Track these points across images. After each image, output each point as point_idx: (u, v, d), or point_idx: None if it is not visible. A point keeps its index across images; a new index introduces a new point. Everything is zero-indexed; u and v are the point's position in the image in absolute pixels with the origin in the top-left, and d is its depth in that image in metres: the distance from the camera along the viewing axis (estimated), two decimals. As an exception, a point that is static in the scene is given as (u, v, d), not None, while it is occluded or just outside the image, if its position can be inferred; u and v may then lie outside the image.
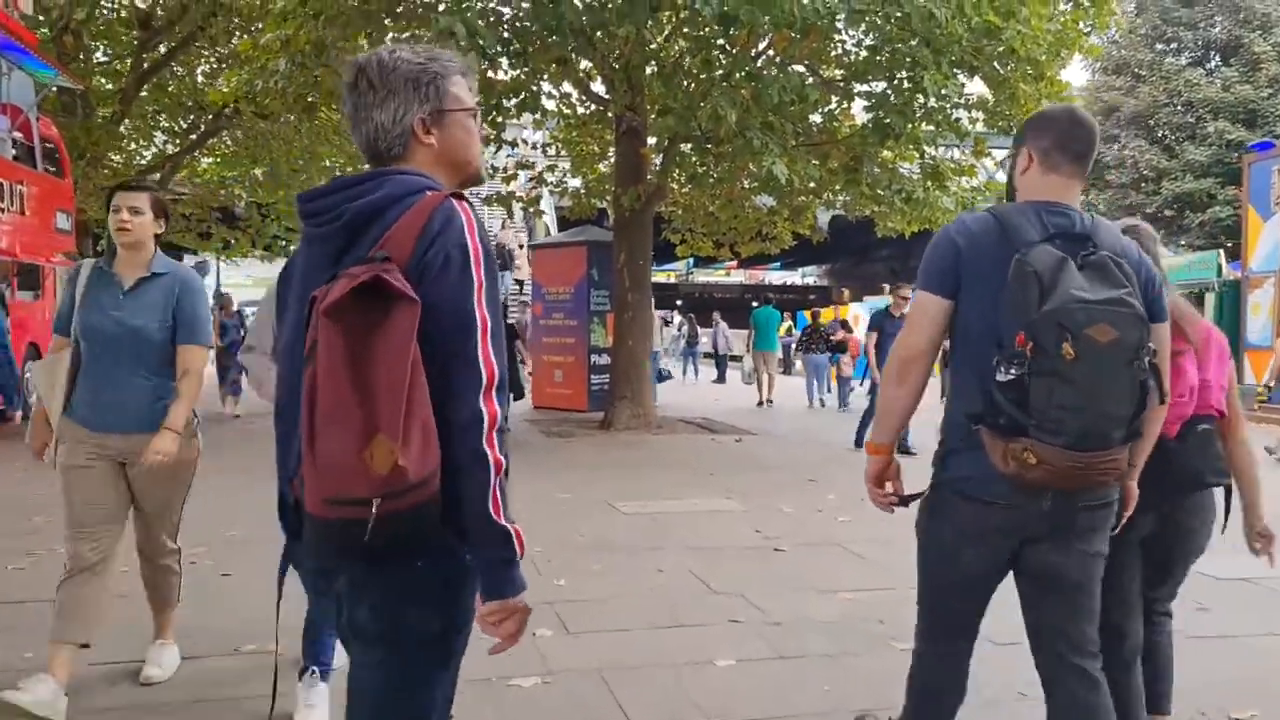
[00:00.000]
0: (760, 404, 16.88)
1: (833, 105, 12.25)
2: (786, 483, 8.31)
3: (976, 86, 13.39)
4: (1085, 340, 1.97)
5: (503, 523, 1.53)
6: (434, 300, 1.50)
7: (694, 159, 12.88)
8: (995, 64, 10.47)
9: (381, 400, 1.42)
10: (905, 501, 2.42)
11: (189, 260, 38.79)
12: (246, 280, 49.75)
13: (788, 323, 25.42)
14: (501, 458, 1.54)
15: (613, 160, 14.38)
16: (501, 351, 1.58)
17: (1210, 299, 17.77)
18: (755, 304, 19.04)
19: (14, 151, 12.90)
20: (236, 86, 11.93)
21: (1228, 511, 2.80)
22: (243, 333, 13.27)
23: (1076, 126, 2.29)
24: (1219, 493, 2.78)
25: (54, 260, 13.48)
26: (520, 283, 25.66)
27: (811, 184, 11.39)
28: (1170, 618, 2.94)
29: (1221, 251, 19.12)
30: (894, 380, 2.31)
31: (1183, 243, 27.46)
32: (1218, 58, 28.93)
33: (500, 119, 13.21)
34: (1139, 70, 29.13)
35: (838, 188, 11.97)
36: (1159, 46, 29.68)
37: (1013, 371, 2.04)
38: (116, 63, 18.39)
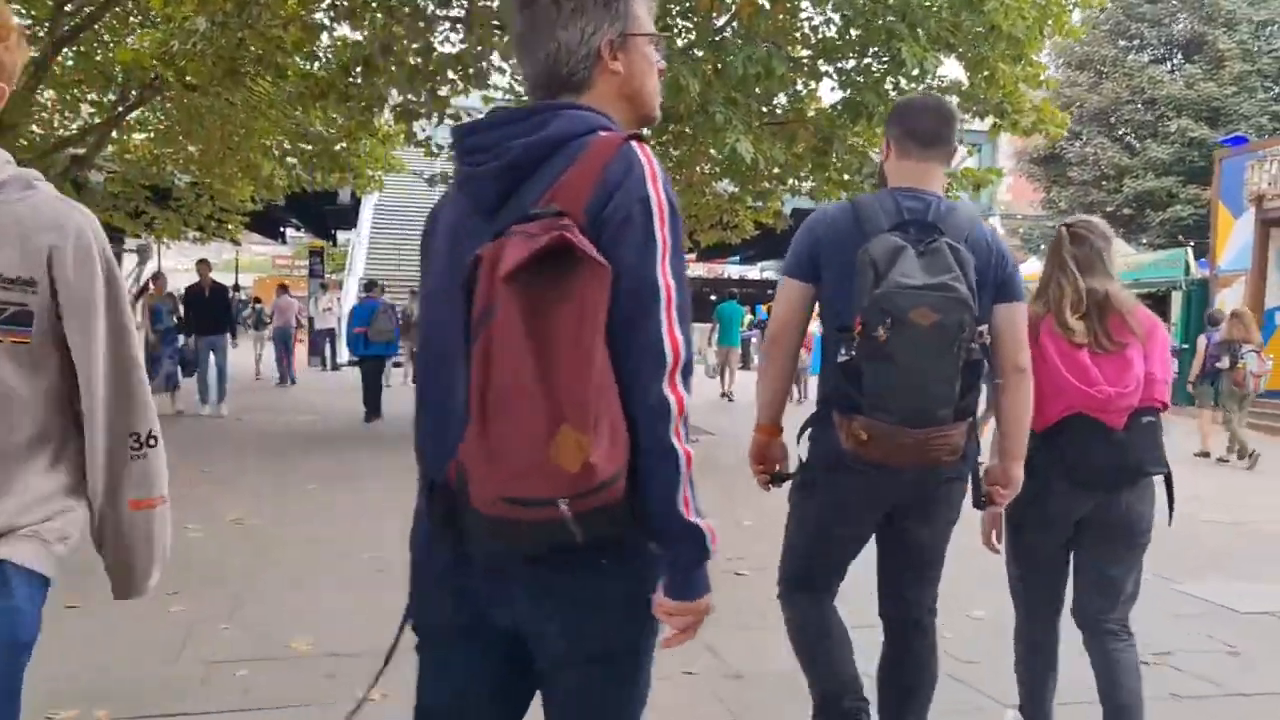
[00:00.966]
0: (723, 395, 16.82)
1: (799, 86, 11.53)
2: (746, 490, 7.49)
3: (950, 69, 12.71)
4: (907, 323, 2.09)
5: (695, 520, 1.38)
6: (612, 266, 1.30)
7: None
8: (974, 41, 9.79)
9: (567, 385, 1.25)
10: (779, 480, 2.55)
11: (130, 243, 37.41)
12: (185, 265, 48.26)
13: (749, 316, 24.78)
14: (690, 449, 1.38)
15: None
16: (688, 326, 1.38)
17: (1177, 297, 17.36)
18: (715, 298, 18.37)
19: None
20: (151, 47, 10.89)
21: (1171, 501, 2.78)
22: (176, 319, 12.17)
23: (924, 111, 2.47)
24: (1159, 483, 2.77)
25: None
26: None
27: (777, 168, 10.63)
28: (1129, 638, 2.77)
29: (1190, 249, 18.73)
30: (763, 361, 2.53)
31: (1143, 241, 27.22)
32: (1180, 55, 28.73)
33: (443, 91, 12.37)
34: (1102, 66, 28.84)
35: (804, 172, 11.22)
36: (1122, 43, 29.42)
37: (850, 353, 2.19)
38: (38, 28, 17.13)
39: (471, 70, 11.24)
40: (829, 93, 17.48)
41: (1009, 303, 2.38)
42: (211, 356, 12.01)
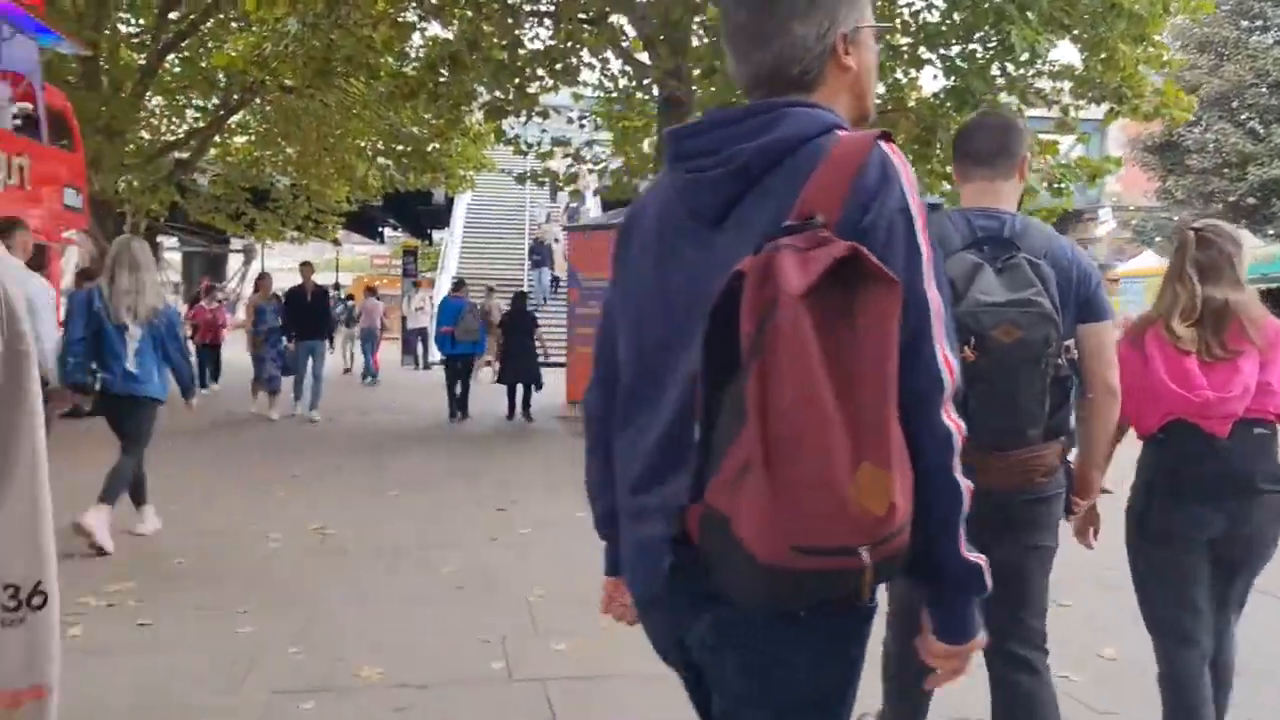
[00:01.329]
0: None
1: (898, 76, 11.00)
2: None
3: (1062, 52, 11.99)
4: (990, 341, 2.05)
5: (973, 559, 1.26)
6: None
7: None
8: (1091, 21, 9.15)
9: (867, 416, 1.11)
10: None
11: (236, 244, 38.47)
12: (289, 265, 49.54)
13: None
14: (969, 482, 1.25)
15: (655, 137, 13.32)
16: (955, 344, 1.26)
17: (1308, 293, 16.14)
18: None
19: (16, 122, 12.13)
20: (245, 50, 10.96)
21: None
22: (281, 320, 11.75)
23: (976, 130, 2.45)
24: None
25: (61, 239, 12.68)
26: (557, 279, 24.41)
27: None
28: (1232, 635, 2.71)
29: (1323, 241, 17.42)
30: None
31: (1270, 232, 25.61)
32: (1310, 35, 26.97)
33: (534, 88, 12.21)
34: (1223, 48, 27.24)
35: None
36: (1244, 23, 27.75)
37: None
38: (147, 36, 17.61)
39: (560, 66, 11.02)
40: (930, 80, 16.77)
41: (1095, 322, 2.31)
42: (310, 362, 11.63)
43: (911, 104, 10.00)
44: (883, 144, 1.26)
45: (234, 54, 11.25)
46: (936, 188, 11.35)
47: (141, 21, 17.32)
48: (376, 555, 5.19)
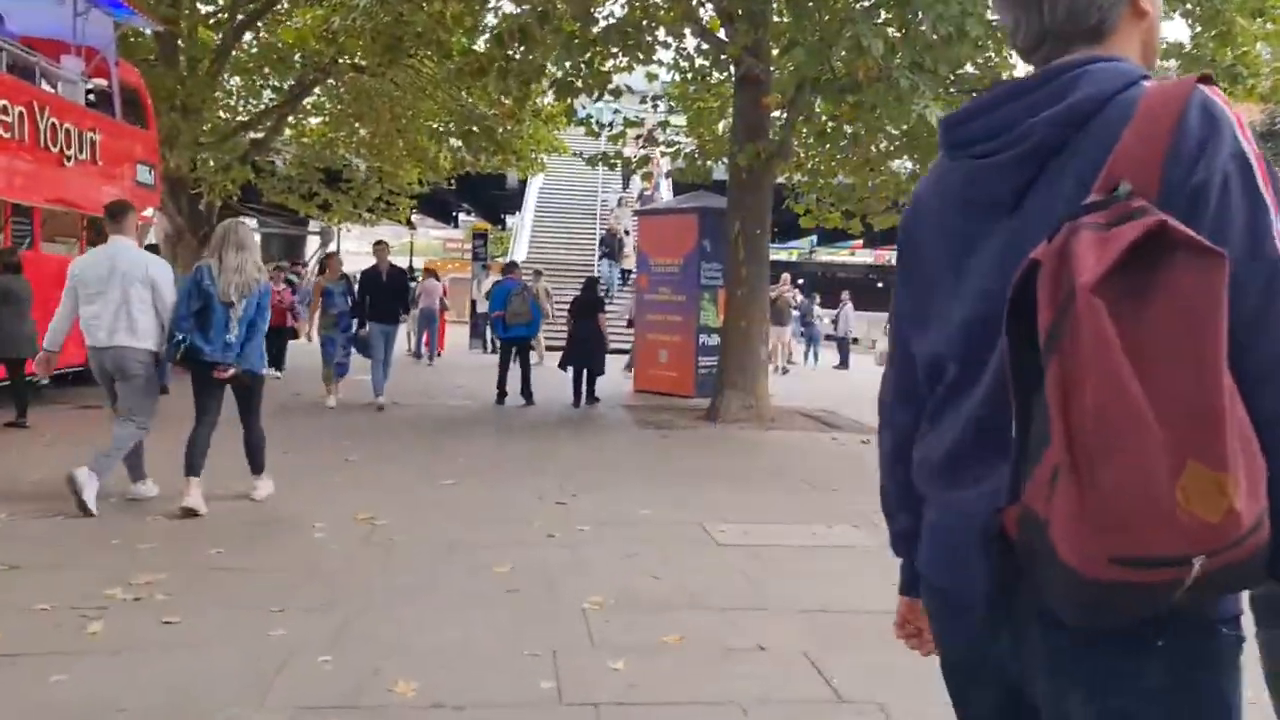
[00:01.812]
0: None
1: (992, 54, 10.35)
2: None
3: (1170, 29, 11.14)
4: None
5: None
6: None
7: (824, 111, 11.18)
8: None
9: (1189, 411, 0.97)
10: None
11: (314, 225, 38.95)
12: (364, 248, 49.94)
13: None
14: None
15: (730, 117, 12.84)
16: None
17: None
18: (880, 285, 17.29)
19: (90, 97, 12.15)
20: (313, 25, 10.74)
21: None
22: (351, 301, 11.09)
23: None
24: None
25: (131, 215, 12.69)
26: (628, 273, 23.93)
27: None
28: None
29: None
30: None
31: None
32: None
33: (606, 67, 11.83)
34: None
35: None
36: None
37: None
38: (224, 14, 17.67)
39: (633, 42, 10.60)
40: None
41: None
42: (383, 346, 10.91)
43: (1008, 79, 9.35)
44: (1203, 87, 1.10)
45: (301, 28, 11.04)
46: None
47: (217, 0, 17.38)
48: (426, 550, 4.87)
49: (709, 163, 14.32)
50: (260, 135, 18.78)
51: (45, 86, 10.95)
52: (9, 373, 8.65)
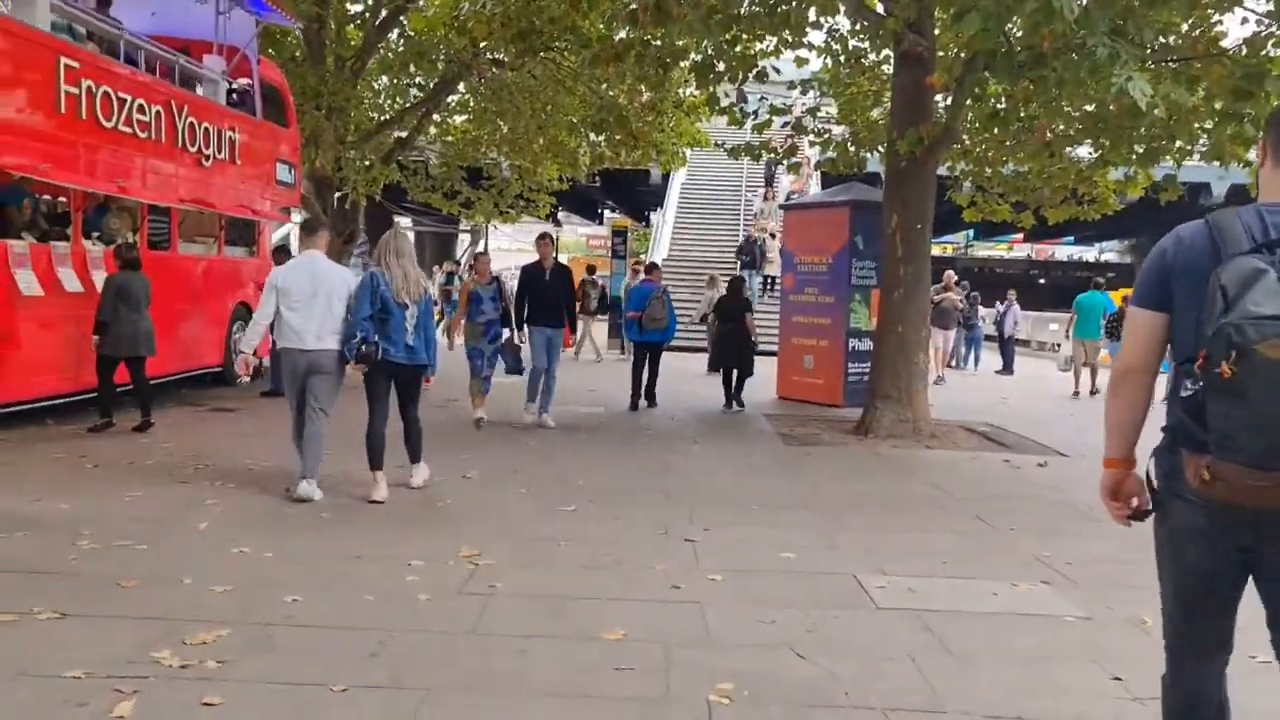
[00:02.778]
0: (1075, 394, 15.06)
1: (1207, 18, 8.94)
2: (1137, 553, 4.76)
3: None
4: (1255, 358, 1.90)
5: None
6: None
7: (996, 90, 10.00)
8: None
9: None
10: (1140, 516, 2.32)
11: (465, 224, 39.40)
12: (519, 245, 50.34)
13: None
14: None
15: (888, 102, 11.77)
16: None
17: None
18: (1043, 282, 15.84)
19: (233, 96, 12.11)
20: (441, 12, 10.23)
21: None
22: (501, 306, 9.40)
23: None
24: None
25: (271, 214, 12.63)
26: (771, 280, 22.75)
27: (1174, 117, 8.19)
28: None
29: None
30: (1110, 392, 2.36)
31: None
32: None
33: (752, 51, 10.97)
34: None
35: (1206, 125, 8.66)
36: None
37: (1192, 387, 2.07)
38: (367, 12, 17.66)
39: (781, 21, 9.68)
40: (1238, 26, 14.19)
41: None
42: (547, 354, 9.67)
43: (1230, 48, 7.97)
44: None
45: (429, 16, 10.54)
46: (1240, 155, 9.21)
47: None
48: (528, 607, 4.16)
49: (862, 152, 13.26)
50: (404, 134, 18.75)
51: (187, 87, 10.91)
52: (131, 374, 8.49)
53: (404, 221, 50.68)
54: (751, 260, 23.12)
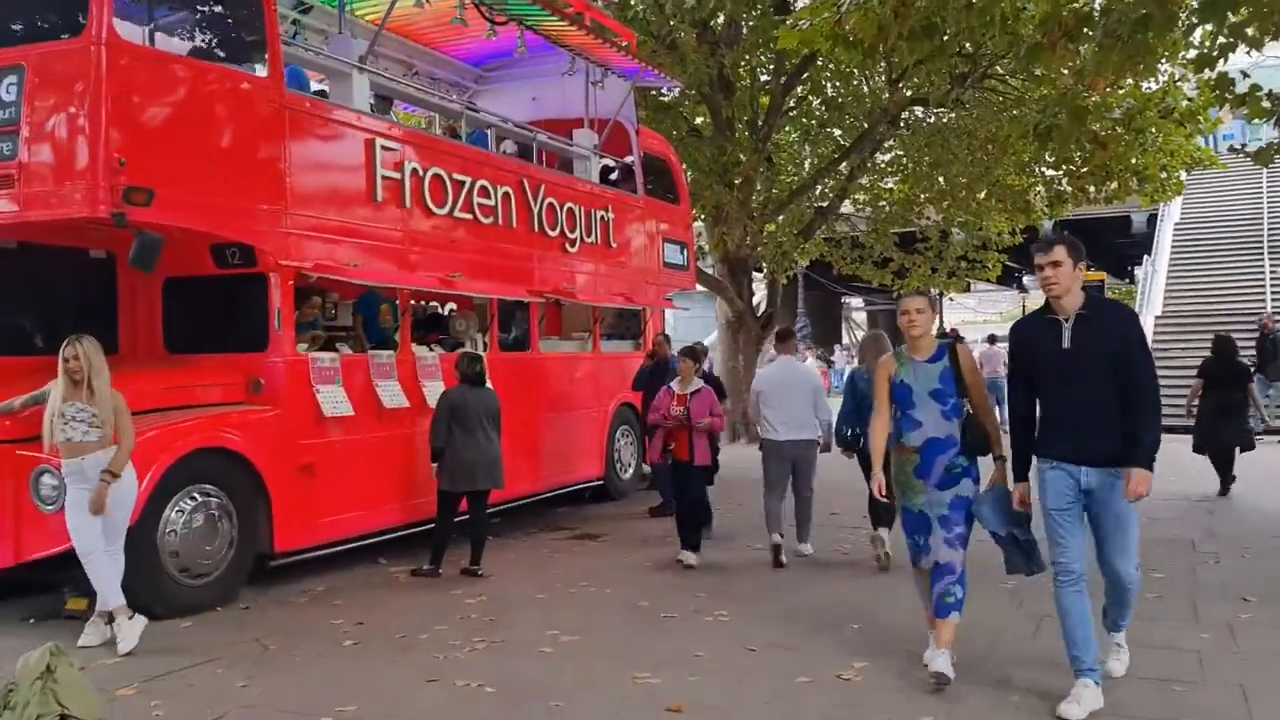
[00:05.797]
0: None
1: None
2: None
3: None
4: None
5: None
6: None
7: None
8: None
9: None
10: None
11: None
12: (984, 317, 45.84)
13: None
14: None
15: None
16: None
17: None
18: None
19: (613, 176, 10.89)
20: (818, 22, 8.05)
21: None
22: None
23: None
24: None
25: (655, 301, 11.11)
26: None
27: None
28: None
29: None
30: None
31: None
32: None
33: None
34: None
35: None
36: None
37: None
38: (770, 75, 16.09)
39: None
40: None
41: None
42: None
43: None
44: None
45: (806, 30, 8.48)
46: None
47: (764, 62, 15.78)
48: None
49: None
50: (825, 204, 16.77)
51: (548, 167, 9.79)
52: (470, 508, 7.01)
53: (853, 301, 48.72)
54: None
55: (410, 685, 4.50)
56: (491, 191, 8.32)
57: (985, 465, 4.40)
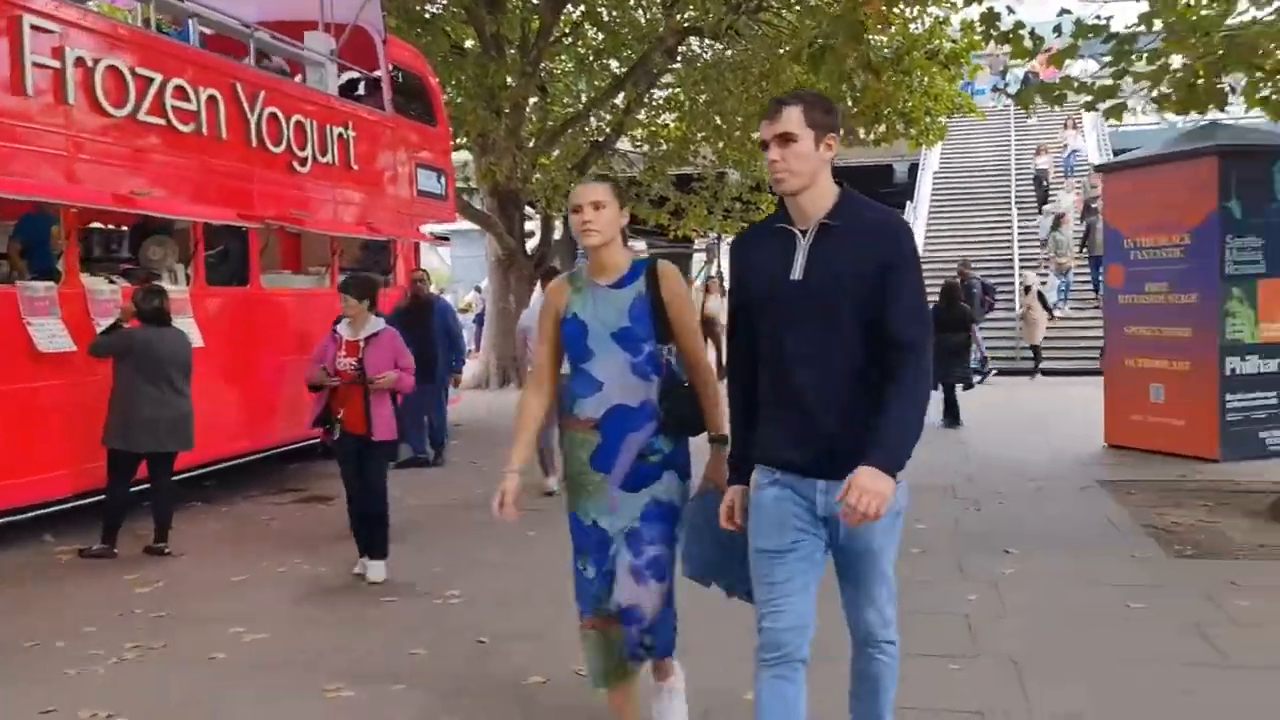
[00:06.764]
0: None
1: None
2: None
3: None
4: None
5: None
6: None
7: None
8: None
9: None
10: None
11: (699, 243, 36.58)
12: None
13: None
14: None
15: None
16: None
17: None
18: None
19: (360, 91, 9.64)
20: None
21: None
22: None
23: None
24: None
25: (406, 233, 10.01)
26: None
27: None
28: None
29: None
30: None
31: None
32: None
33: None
34: None
35: None
36: None
37: None
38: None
39: None
40: None
41: None
42: None
43: None
44: None
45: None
46: None
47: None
48: None
49: (1209, 83, 8.93)
50: (601, 139, 16.02)
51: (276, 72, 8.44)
52: (151, 475, 5.80)
53: (637, 245, 48.73)
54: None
55: (15, 717, 3.42)
56: (192, 94, 6.96)
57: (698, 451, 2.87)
